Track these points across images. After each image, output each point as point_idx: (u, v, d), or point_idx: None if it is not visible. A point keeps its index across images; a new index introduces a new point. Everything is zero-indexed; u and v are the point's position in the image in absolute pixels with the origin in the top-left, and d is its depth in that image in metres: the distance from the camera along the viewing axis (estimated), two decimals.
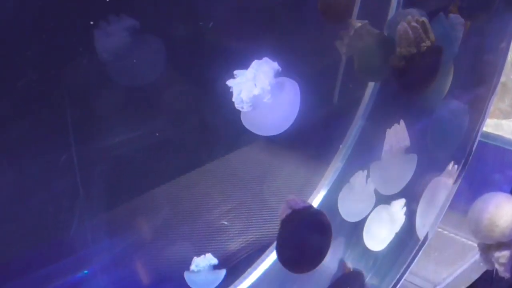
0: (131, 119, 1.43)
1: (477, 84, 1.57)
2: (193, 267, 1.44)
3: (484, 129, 1.60)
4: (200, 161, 1.67)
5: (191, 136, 1.56)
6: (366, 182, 1.47)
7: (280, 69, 1.23)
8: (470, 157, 1.57)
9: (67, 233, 1.37)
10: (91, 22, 1.21)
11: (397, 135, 1.43)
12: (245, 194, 1.81)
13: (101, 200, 1.41)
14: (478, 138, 1.57)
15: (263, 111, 1.23)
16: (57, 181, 1.33)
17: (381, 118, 1.69)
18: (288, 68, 1.38)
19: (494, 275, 1.50)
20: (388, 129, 1.45)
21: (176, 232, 1.66)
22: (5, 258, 1.31)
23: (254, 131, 1.29)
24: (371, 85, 1.70)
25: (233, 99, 1.22)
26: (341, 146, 1.76)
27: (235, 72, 1.22)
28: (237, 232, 1.73)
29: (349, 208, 1.49)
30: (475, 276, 1.60)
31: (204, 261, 1.45)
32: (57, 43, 1.22)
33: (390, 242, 1.51)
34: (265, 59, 1.22)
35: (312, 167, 1.81)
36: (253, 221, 1.77)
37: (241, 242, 1.71)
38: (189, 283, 1.45)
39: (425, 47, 1.36)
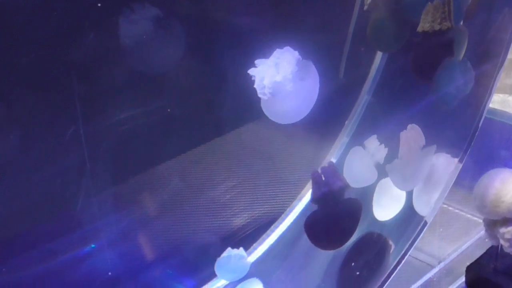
0: (139, 95, 1.43)
1: (484, 60, 1.56)
2: (225, 254, 1.47)
3: (491, 105, 1.59)
4: (206, 137, 1.67)
5: (197, 112, 1.56)
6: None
7: (301, 58, 1.25)
8: (476, 133, 1.57)
9: (74, 207, 1.38)
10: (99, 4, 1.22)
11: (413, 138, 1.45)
12: (251, 170, 1.81)
13: (108, 175, 1.42)
14: (484, 114, 1.57)
15: (284, 99, 1.26)
16: (65, 156, 1.33)
17: (387, 93, 1.69)
18: (294, 45, 1.38)
19: (499, 250, 1.50)
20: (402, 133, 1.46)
21: (182, 207, 1.67)
22: (13, 232, 1.32)
23: (273, 119, 1.31)
24: (377, 61, 1.70)
25: (255, 86, 1.24)
26: (347, 121, 1.76)
27: (257, 61, 1.24)
28: (242, 207, 1.74)
29: (355, 172, 1.49)
30: (480, 252, 1.60)
31: (236, 252, 1.48)
32: (65, 19, 1.22)
33: (397, 214, 1.52)
34: (287, 48, 1.25)
35: (318, 143, 1.81)
36: (258, 197, 1.78)
37: (246, 218, 1.71)
38: (217, 270, 1.48)
39: (446, 27, 1.36)
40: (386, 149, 1.46)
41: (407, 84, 1.63)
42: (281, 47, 1.25)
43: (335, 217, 1.41)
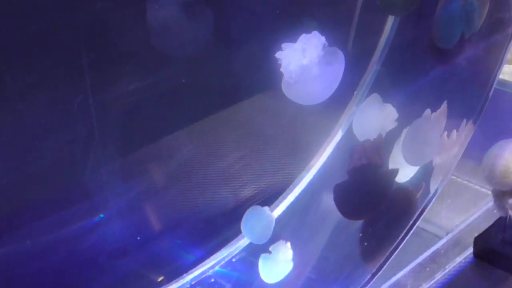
0: (148, 65, 1.43)
1: (494, 30, 1.55)
2: (271, 248, 1.47)
3: (501, 76, 1.59)
4: (214, 108, 1.67)
5: (206, 83, 1.56)
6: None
7: (327, 44, 1.27)
8: (486, 104, 1.56)
9: (82, 177, 1.39)
10: None
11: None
12: (259, 140, 1.81)
13: (116, 145, 1.42)
14: (494, 85, 1.56)
15: (309, 83, 1.28)
16: (73, 126, 1.33)
17: (397, 64, 1.68)
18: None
19: (507, 221, 1.50)
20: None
21: (190, 178, 1.68)
22: (22, 202, 1.33)
23: (295, 101, 1.33)
24: (387, 30, 1.68)
25: (281, 70, 1.26)
26: (355, 92, 1.76)
27: (283, 44, 1.26)
28: (250, 178, 1.74)
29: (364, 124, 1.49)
30: (488, 223, 1.61)
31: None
32: None
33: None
34: (314, 32, 1.27)
35: (326, 113, 1.81)
36: (267, 167, 1.78)
37: (254, 189, 1.71)
38: (261, 266, 1.47)
39: None
40: (397, 114, 1.45)
41: (417, 55, 1.63)
42: (307, 31, 1.27)
43: (367, 190, 1.43)
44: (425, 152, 1.48)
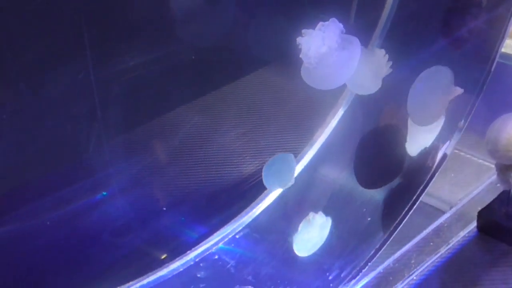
0: (149, 41, 1.42)
1: (496, 3, 1.54)
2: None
3: (504, 50, 1.58)
4: (215, 84, 1.67)
5: (207, 59, 1.56)
6: None
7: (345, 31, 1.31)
8: (489, 77, 1.55)
9: (85, 154, 1.38)
10: None
11: None
12: (261, 117, 1.81)
13: (118, 121, 1.42)
14: (497, 59, 1.55)
15: (328, 68, 1.32)
16: (75, 102, 1.33)
17: (398, 38, 1.67)
18: None
19: (510, 195, 1.50)
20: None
21: (192, 155, 1.68)
22: (24, 180, 1.33)
23: (313, 85, 1.36)
24: (389, 3, 1.67)
25: (301, 56, 1.29)
26: None
27: (303, 30, 1.29)
28: (252, 154, 1.74)
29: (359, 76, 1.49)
30: (491, 196, 1.61)
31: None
32: None
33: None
34: (333, 19, 1.30)
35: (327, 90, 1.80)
36: (269, 143, 1.78)
37: (256, 165, 1.71)
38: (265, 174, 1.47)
39: None
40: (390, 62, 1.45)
41: (419, 28, 1.62)
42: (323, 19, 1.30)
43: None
44: (431, 109, 1.48)
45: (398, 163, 1.49)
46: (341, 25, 1.30)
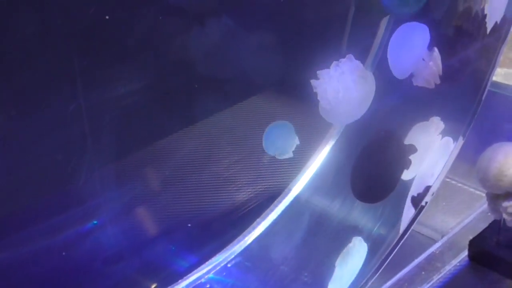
0: (140, 67, 1.43)
1: (487, 33, 1.55)
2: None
3: (494, 78, 1.59)
4: (209, 111, 1.67)
5: (199, 85, 1.56)
6: None
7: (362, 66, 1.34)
8: (480, 106, 1.56)
9: (76, 183, 1.38)
10: None
11: None
12: (254, 144, 1.81)
13: (110, 149, 1.41)
14: (488, 87, 1.56)
15: (346, 106, 1.35)
16: (66, 130, 1.33)
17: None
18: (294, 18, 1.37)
19: (501, 224, 1.50)
20: None
21: (185, 182, 1.67)
22: (14, 207, 1.32)
23: (333, 122, 1.49)
24: (380, 34, 1.68)
25: (319, 99, 1.33)
26: None
27: (319, 72, 1.31)
28: (245, 182, 1.74)
29: None
30: (483, 225, 1.60)
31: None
32: None
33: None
34: (349, 56, 1.33)
35: (321, 116, 1.81)
36: (262, 171, 1.78)
37: (249, 193, 1.71)
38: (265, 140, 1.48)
39: None
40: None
41: None
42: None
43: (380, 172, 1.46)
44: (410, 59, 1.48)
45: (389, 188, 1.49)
46: (358, 62, 1.33)
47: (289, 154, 1.47)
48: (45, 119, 1.29)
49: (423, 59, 1.44)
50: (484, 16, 1.50)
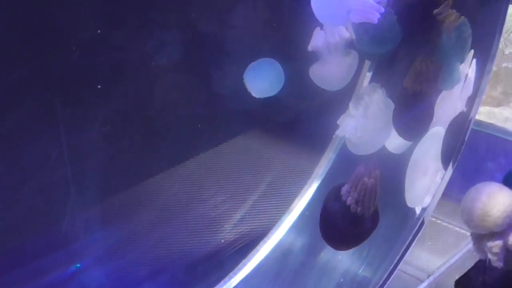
0: (124, 108, 1.42)
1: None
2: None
3: (477, 117, 1.60)
4: (194, 151, 1.66)
5: (184, 126, 1.56)
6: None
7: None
8: (464, 145, 1.56)
9: (59, 226, 1.37)
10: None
11: None
12: (240, 184, 1.81)
13: (93, 191, 1.41)
14: (471, 126, 1.57)
15: (371, 136, 1.43)
16: (48, 172, 1.32)
17: None
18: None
19: (487, 264, 1.50)
20: None
21: (170, 224, 1.66)
22: None
23: (361, 153, 1.46)
24: (364, 72, 1.69)
25: (347, 136, 1.42)
26: (334, 135, 1.76)
27: (344, 116, 1.41)
28: (231, 223, 1.73)
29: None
30: (468, 265, 1.60)
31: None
32: (45, 36, 1.21)
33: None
34: (374, 84, 1.43)
35: (307, 156, 1.81)
36: (247, 212, 1.77)
37: (235, 234, 1.70)
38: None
39: None
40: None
41: (392, 99, 1.63)
42: None
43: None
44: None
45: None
46: (381, 91, 1.39)
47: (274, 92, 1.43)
48: (27, 161, 1.29)
49: None
50: None
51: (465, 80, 1.51)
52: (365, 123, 1.39)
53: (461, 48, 1.44)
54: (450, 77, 1.44)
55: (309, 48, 1.40)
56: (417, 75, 1.38)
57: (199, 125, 1.58)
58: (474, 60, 1.50)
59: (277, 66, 1.43)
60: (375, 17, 1.32)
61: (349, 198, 1.27)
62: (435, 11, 1.38)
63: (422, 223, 1.56)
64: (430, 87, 1.40)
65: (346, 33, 1.39)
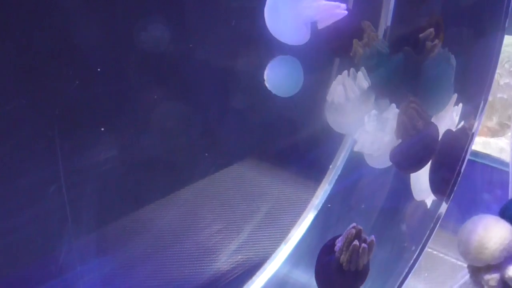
0: (120, 137, 1.43)
1: (465, 103, 1.56)
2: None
3: (473, 147, 1.60)
4: (190, 180, 1.67)
5: (180, 154, 1.56)
6: None
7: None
8: (460, 176, 1.56)
9: (54, 255, 1.36)
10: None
11: None
12: (236, 213, 1.80)
13: (89, 220, 1.40)
14: (467, 157, 1.57)
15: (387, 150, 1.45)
16: (44, 200, 1.32)
17: None
18: None
19: None
20: None
21: (166, 253, 1.66)
22: None
23: (379, 167, 1.52)
24: None
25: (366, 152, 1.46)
26: (331, 166, 1.76)
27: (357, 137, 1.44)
28: (227, 252, 1.72)
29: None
30: None
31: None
32: (43, 67, 1.22)
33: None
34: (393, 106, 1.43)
35: (303, 187, 1.81)
36: (244, 241, 1.77)
37: (231, 263, 1.70)
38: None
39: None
40: None
41: None
42: None
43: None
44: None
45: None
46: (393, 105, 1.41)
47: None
48: (22, 189, 1.29)
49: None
50: None
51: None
52: (382, 136, 1.41)
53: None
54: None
55: (328, 100, 1.44)
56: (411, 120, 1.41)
57: (206, 154, 1.59)
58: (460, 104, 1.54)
59: (299, 65, 1.43)
60: (340, 13, 1.32)
61: (341, 256, 1.28)
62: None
63: (419, 254, 1.55)
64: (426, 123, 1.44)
65: (365, 83, 1.42)
